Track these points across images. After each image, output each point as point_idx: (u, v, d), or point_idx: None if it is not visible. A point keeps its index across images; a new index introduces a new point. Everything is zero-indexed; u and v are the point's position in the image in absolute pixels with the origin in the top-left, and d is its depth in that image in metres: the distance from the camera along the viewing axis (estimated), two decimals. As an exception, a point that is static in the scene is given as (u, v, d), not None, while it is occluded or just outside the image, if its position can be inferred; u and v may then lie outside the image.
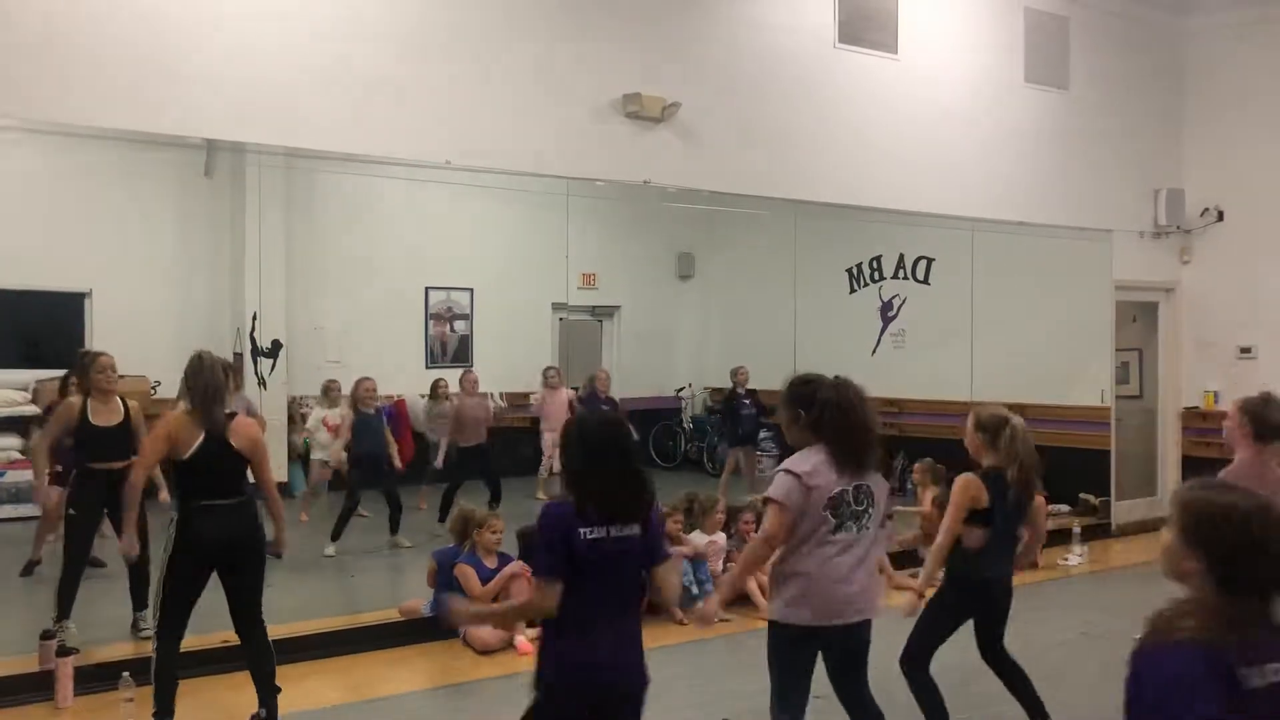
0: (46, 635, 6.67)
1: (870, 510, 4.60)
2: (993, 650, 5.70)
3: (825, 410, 4.56)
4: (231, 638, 6.08)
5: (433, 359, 14.61)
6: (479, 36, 8.35)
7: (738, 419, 13.51)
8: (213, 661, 6.75)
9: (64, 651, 6.45)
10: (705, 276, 16.72)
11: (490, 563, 7.88)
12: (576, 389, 13.03)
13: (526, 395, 13.54)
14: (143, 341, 11.38)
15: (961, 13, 11.21)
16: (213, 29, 7.22)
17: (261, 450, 5.94)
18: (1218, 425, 7.43)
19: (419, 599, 8.18)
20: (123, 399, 7.47)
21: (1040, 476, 5.53)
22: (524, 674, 6.68)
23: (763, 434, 13.90)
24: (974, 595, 5.52)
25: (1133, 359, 13.44)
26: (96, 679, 6.50)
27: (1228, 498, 2.51)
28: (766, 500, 4.56)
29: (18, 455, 11.56)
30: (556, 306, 14.60)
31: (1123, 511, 12.63)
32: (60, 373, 9.65)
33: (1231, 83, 12.79)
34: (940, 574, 5.54)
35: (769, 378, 9.72)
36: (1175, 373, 13.35)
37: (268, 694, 5.91)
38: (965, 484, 5.38)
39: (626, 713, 3.88)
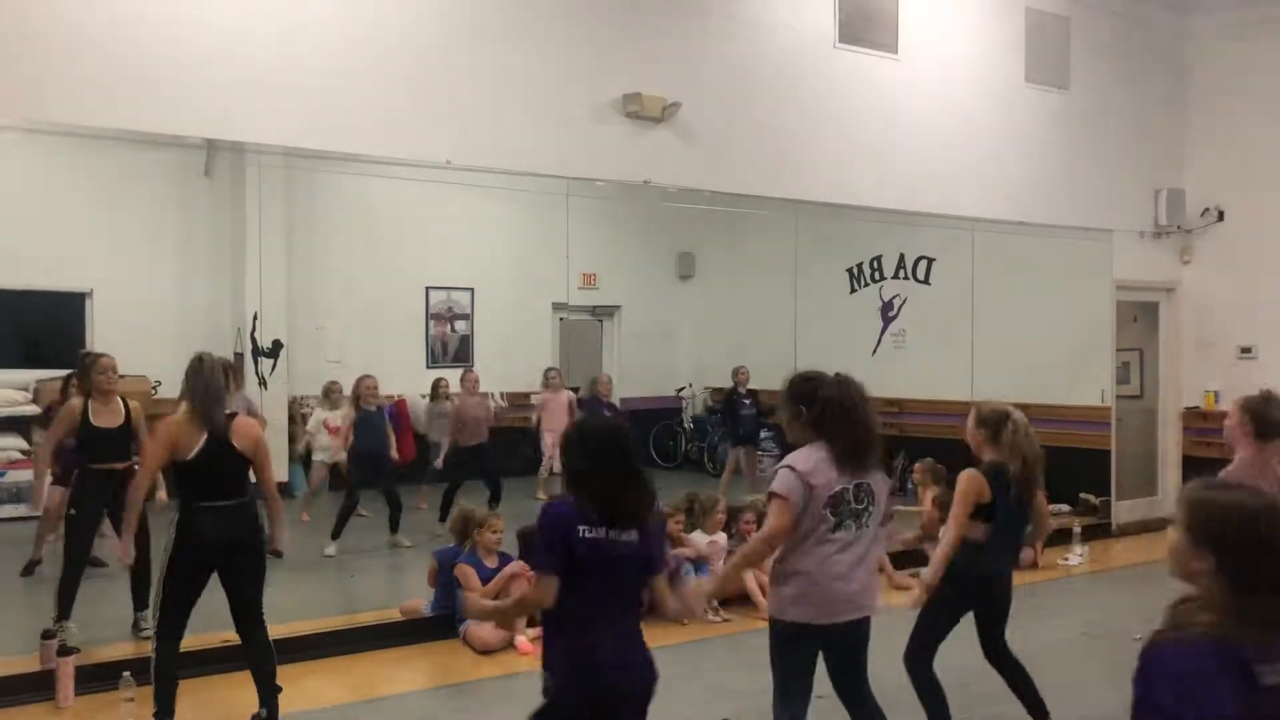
0: (47, 635, 6.68)
1: (871, 509, 4.60)
2: (995, 649, 5.70)
3: (826, 408, 4.56)
4: (231, 637, 6.09)
5: (433, 359, 14.61)
6: (479, 36, 8.36)
7: (738, 419, 13.49)
8: (213, 661, 6.75)
9: (65, 651, 6.45)
10: (705, 276, 16.69)
11: (491, 562, 7.88)
12: (576, 389, 13.03)
13: (527, 395, 13.53)
14: (143, 341, 11.37)
15: (962, 13, 11.21)
16: (213, 29, 7.23)
17: (264, 450, 5.95)
18: (1218, 425, 7.41)
19: (419, 598, 8.19)
20: (124, 399, 7.47)
21: (1043, 474, 5.54)
22: (524, 674, 6.77)
23: (763, 434, 13.88)
24: (974, 591, 5.52)
25: (1133, 359, 13.43)
26: (97, 679, 6.50)
27: (1235, 496, 2.50)
28: (770, 496, 4.56)
29: (18, 455, 11.55)
30: (557, 306, 14.59)
31: (1123, 511, 12.64)
32: (61, 373, 9.65)
33: (1232, 83, 12.78)
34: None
35: (769, 378, 9.73)
36: (1176, 373, 13.35)
37: (268, 693, 5.91)
38: (969, 477, 5.40)
39: (628, 713, 3.88)
